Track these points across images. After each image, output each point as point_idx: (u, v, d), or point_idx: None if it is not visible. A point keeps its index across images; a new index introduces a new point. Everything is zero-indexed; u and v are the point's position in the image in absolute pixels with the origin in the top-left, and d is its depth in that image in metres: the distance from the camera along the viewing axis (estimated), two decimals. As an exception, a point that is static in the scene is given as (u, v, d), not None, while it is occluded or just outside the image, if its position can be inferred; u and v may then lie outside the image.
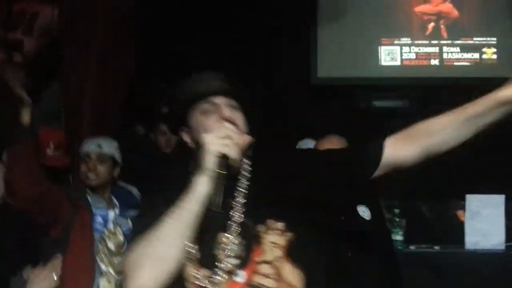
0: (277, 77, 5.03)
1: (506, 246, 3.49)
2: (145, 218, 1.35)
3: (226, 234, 1.33)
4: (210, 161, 1.29)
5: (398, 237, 3.52)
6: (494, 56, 5.22)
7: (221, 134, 1.30)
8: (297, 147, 3.33)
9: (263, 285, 1.30)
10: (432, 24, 5.28)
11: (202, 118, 1.38)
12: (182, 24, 4.79)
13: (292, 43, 5.03)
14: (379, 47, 5.22)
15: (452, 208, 3.73)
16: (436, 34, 5.27)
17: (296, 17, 5.03)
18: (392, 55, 5.26)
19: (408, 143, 1.36)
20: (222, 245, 1.33)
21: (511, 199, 3.56)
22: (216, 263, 1.32)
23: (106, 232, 2.58)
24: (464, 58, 5.27)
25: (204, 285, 1.31)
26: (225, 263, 1.32)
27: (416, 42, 5.27)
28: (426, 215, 3.80)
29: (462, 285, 3.34)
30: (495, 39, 5.22)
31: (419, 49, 5.27)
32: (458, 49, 5.26)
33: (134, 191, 2.83)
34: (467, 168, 3.84)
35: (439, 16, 5.29)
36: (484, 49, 5.24)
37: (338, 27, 5.21)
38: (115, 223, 2.61)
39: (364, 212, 2.41)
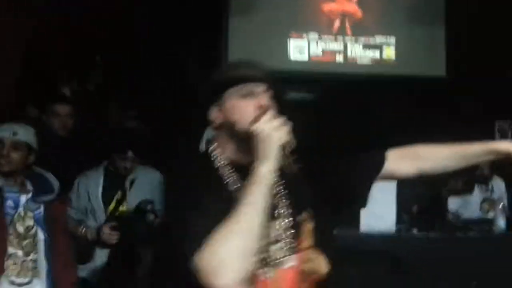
0: (188, 68, 5.08)
1: (396, 229, 3.77)
2: (206, 213, 1.29)
3: (275, 223, 1.37)
4: (274, 149, 1.30)
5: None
6: (393, 55, 5.60)
7: (278, 123, 1.33)
8: (203, 135, 3.40)
9: (313, 268, 1.39)
10: (337, 22, 5.56)
11: (240, 102, 1.39)
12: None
13: (204, 34, 5.10)
14: (288, 39, 5.44)
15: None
16: (341, 32, 5.57)
17: (209, 8, 5.10)
18: (300, 49, 5.49)
19: (407, 162, 1.55)
20: (272, 234, 1.36)
21: (400, 186, 3.82)
22: (267, 251, 1.34)
23: (16, 216, 2.59)
24: (366, 56, 5.60)
25: (256, 274, 1.32)
26: (276, 251, 1.36)
27: (322, 37, 5.53)
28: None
29: (359, 267, 3.55)
30: (394, 38, 5.60)
31: (326, 45, 5.54)
32: (360, 47, 5.59)
33: (50, 177, 2.83)
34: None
35: (344, 14, 5.58)
36: (384, 48, 5.61)
37: (249, 19, 5.36)
38: (26, 208, 2.62)
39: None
